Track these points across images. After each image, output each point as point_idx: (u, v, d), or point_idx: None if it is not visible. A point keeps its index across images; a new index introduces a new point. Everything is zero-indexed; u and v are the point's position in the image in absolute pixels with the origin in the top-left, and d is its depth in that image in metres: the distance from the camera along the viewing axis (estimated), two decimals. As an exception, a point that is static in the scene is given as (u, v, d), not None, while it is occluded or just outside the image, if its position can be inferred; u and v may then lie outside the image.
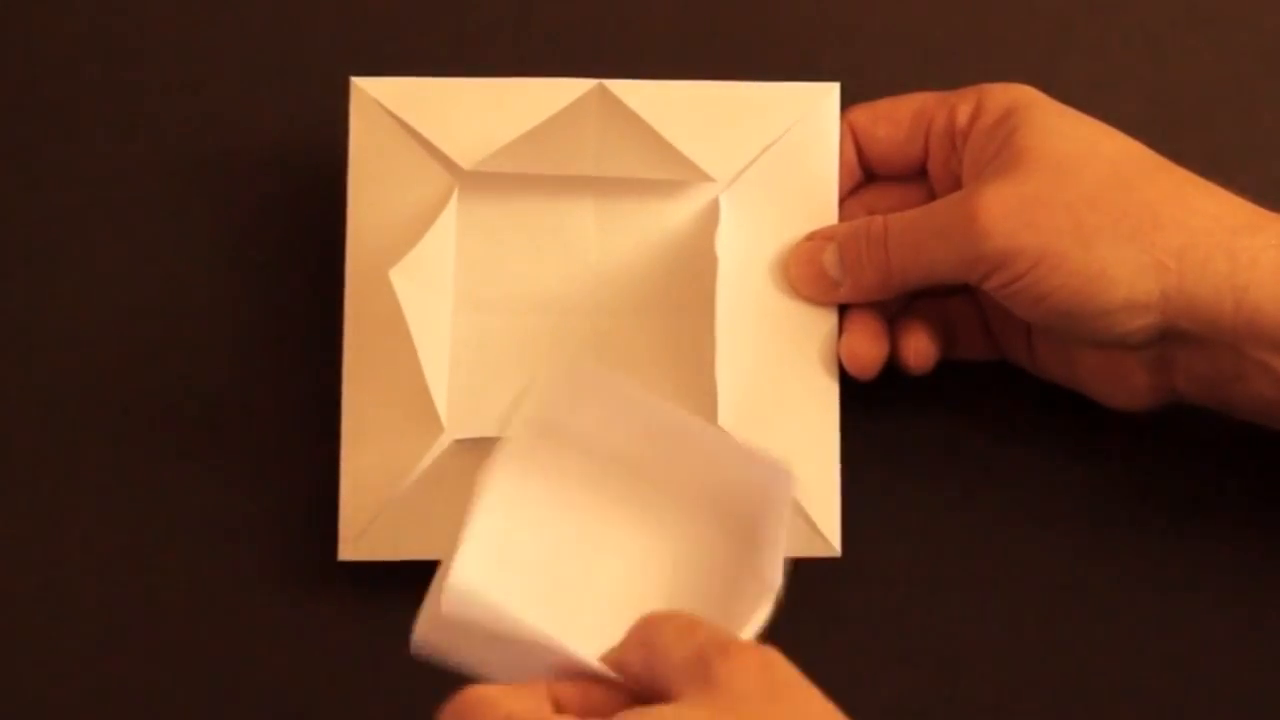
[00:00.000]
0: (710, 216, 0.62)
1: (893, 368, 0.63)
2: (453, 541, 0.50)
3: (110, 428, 0.65)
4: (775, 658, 0.47)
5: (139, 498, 0.64)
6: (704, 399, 0.60)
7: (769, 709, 0.46)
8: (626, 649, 0.49)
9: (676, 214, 0.63)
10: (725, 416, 0.60)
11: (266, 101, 0.66)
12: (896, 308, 0.63)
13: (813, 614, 0.64)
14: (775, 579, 0.52)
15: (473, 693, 0.48)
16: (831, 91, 0.63)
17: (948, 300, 0.64)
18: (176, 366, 0.65)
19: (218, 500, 0.64)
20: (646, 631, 0.49)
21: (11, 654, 0.64)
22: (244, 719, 0.64)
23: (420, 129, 0.62)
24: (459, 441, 0.61)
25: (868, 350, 0.62)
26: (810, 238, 0.62)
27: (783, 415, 0.61)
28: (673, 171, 0.62)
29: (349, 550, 0.61)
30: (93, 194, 0.66)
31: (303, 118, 0.66)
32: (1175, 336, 0.58)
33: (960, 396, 0.65)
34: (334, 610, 0.64)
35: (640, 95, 0.61)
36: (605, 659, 0.49)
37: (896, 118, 0.63)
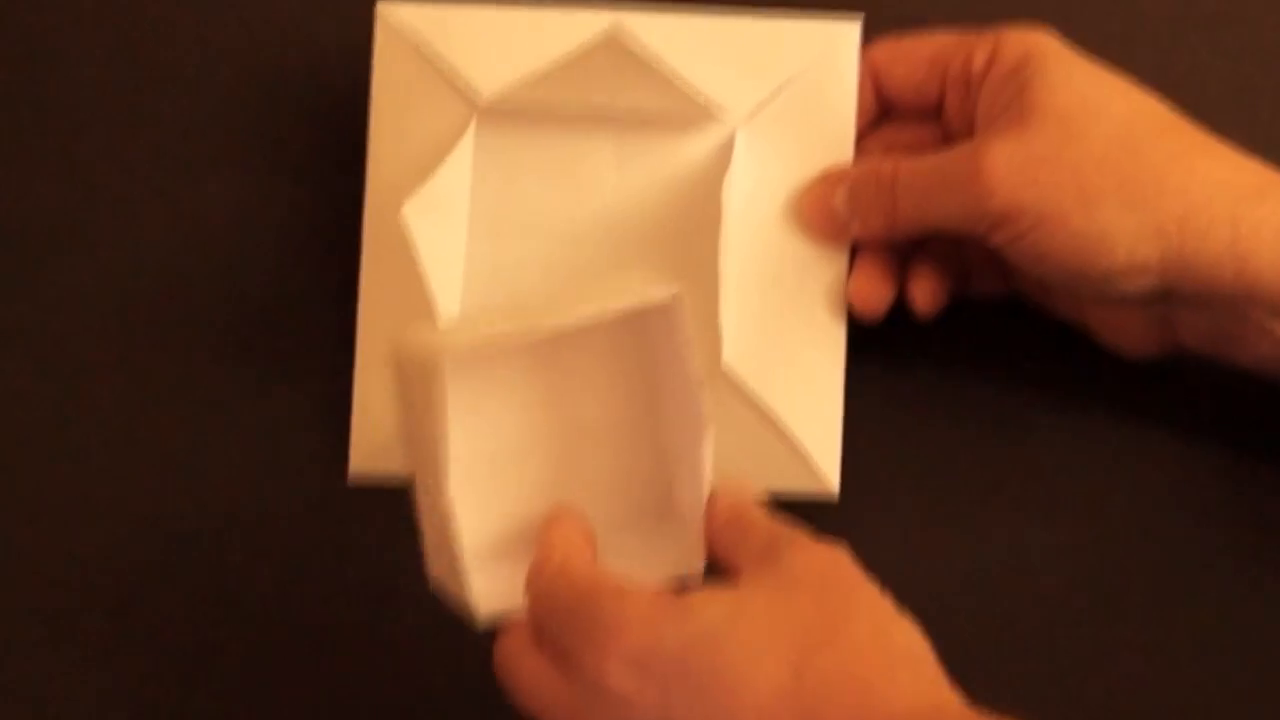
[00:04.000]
0: (727, 154, 0.62)
1: (903, 310, 0.63)
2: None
3: (136, 336, 0.67)
4: (841, 556, 0.53)
5: (160, 399, 0.66)
6: (710, 335, 0.61)
7: (821, 595, 0.51)
8: (719, 526, 0.55)
9: (693, 150, 0.63)
10: (730, 353, 0.61)
11: (295, 25, 0.67)
12: (910, 246, 0.64)
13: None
14: (707, 413, 0.55)
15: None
16: (852, 30, 0.63)
17: (963, 238, 0.64)
18: (202, 282, 0.67)
19: (237, 409, 0.66)
20: (739, 516, 0.55)
21: (37, 545, 0.66)
22: (254, 622, 0.66)
23: (441, 58, 0.62)
24: None
25: (874, 292, 0.62)
26: (823, 179, 0.63)
27: (788, 354, 0.62)
28: (689, 108, 0.62)
29: (359, 467, 0.63)
30: (118, 114, 0.67)
31: (331, 42, 0.67)
32: (1177, 297, 0.58)
33: (966, 341, 0.66)
34: (345, 526, 0.66)
35: (659, 30, 0.61)
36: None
37: (915, 58, 0.63)
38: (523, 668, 0.53)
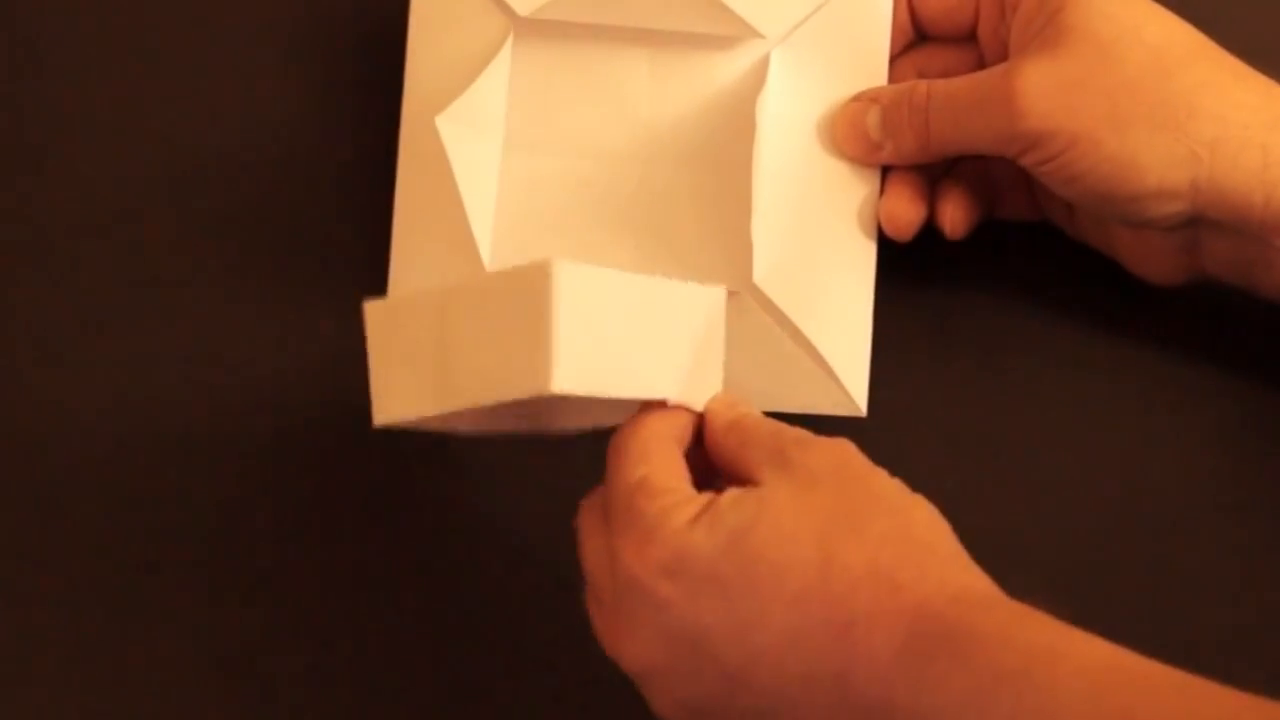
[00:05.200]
0: (761, 74, 0.63)
1: (932, 232, 0.64)
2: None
3: (177, 244, 0.67)
4: (848, 446, 0.54)
5: (200, 307, 0.67)
6: (741, 253, 0.62)
7: (839, 489, 0.52)
8: (721, 433, 0.56)
9: (729, 69, 0.63)
10: (760, 271, 0.62)
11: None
12: (940, 168, 0.64)
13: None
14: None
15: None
16: None
17: (993, 161, 0.64)
18: (243, 193, 0.67)
19: (269, 324, 0.67)
20: (741, 424, 0.56)
21: (80, 430, 0.67)
22: (281, 513, 0.67)
23: None
24: None
25: (905, 212, 0.63)
26: (857, 99, 0.63)
27: (819, 273, 0.63)
28: (726, 27, 0.62)
29: None
30: (167, 35, 0.68)
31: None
32: (1204, 223, 0.59)
33: (994, 264, 0.66)
34: (373, 441, 0.66)
35: None
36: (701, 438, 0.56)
37: None
38: (590, 538, 0.55)
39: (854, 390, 0.63)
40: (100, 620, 0.66)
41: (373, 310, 0.55)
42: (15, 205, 0.68)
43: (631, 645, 0.53)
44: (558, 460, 0.65)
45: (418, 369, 0.54)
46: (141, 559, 0.66)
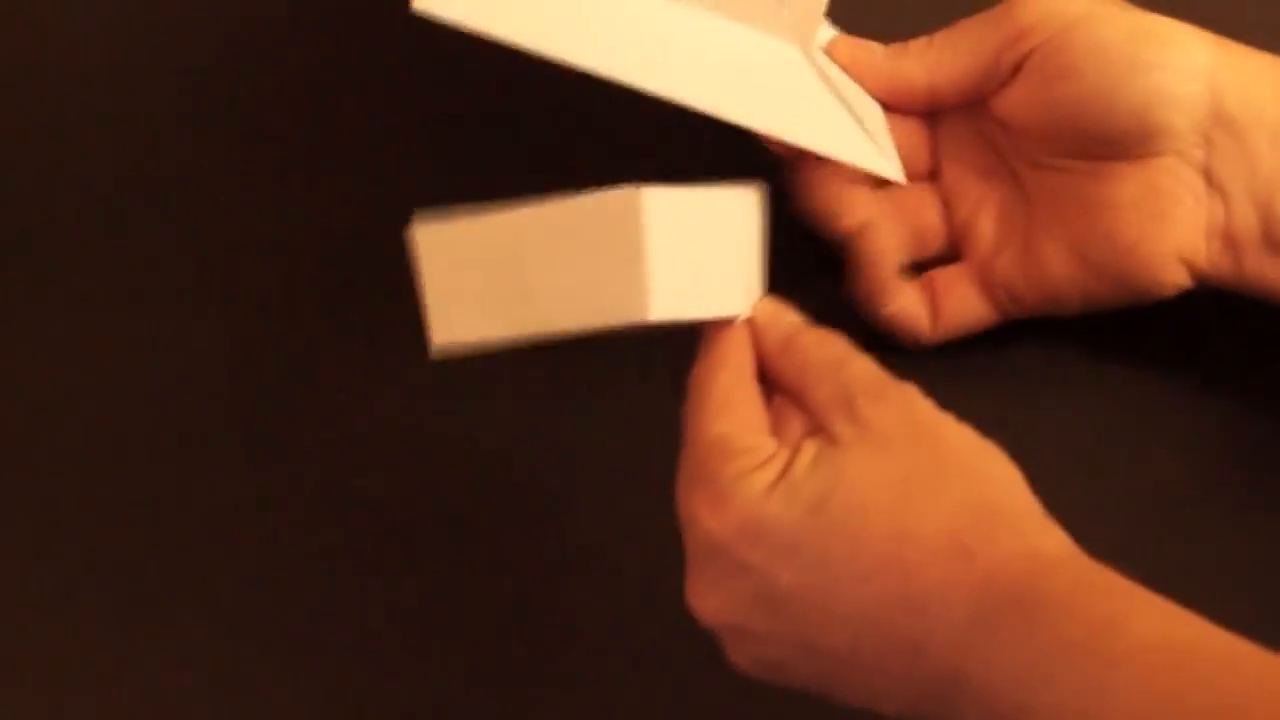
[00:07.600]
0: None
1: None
2: None
3: (174, 242, 0.69)
4: (915, 396, 0.54)
5: (201, 314, 0.67)
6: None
7: (911, 451, 0.52)
8: (775, 354, 0.55)
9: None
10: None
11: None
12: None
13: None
14: None
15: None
16: None
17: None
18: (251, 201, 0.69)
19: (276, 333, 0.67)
20: (802, 351, 0.55)
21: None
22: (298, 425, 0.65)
23: None
24: None
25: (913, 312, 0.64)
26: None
27: None
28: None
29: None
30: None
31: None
32: (1221, 126, 0.58)
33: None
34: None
35: None
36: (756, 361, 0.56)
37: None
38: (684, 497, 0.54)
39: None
40: (96, 625, 0.63)
41: (425, 234, 0.55)
42: (13, 205, 0.69)
43: (710, 600, 0.53)
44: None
45: (487, 292, 0.55)
46: (140, 562, 0.64)
